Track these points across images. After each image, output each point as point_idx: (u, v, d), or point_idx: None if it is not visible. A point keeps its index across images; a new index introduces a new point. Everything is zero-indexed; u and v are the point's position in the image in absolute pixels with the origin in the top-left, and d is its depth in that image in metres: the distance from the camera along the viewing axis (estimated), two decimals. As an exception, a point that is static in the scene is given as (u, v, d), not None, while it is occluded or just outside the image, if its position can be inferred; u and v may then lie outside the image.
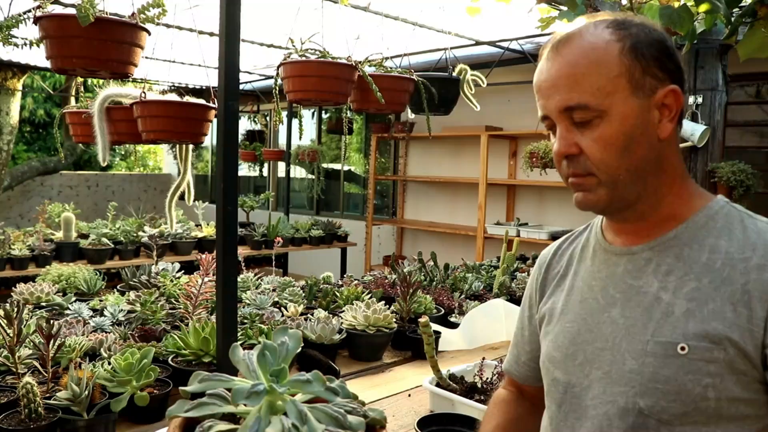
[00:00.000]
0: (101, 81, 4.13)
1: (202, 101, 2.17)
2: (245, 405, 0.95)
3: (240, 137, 9.47)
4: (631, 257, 1.09)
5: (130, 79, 3.55)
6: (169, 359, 1.97)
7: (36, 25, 1.61)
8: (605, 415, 1.05)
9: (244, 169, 10.59)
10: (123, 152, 13.60)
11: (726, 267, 0.98)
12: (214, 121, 2.05)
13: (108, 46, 1.57)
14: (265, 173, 10.38)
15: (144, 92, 2.04)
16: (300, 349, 2.27)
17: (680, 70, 1.05)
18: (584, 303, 1.13)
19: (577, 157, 1.04)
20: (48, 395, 1.63)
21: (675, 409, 0.97)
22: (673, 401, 0.97)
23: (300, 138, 3.05)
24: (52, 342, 1.73)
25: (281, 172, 9.35)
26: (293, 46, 2.17)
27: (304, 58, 2.08)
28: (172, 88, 6.93)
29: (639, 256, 1.08)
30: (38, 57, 6.30)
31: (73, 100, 2.40)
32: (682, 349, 0.96)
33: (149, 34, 1.70)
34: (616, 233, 1.13)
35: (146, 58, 5.18)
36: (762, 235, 1.00)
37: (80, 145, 6.93)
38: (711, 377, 0.95)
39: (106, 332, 2.20)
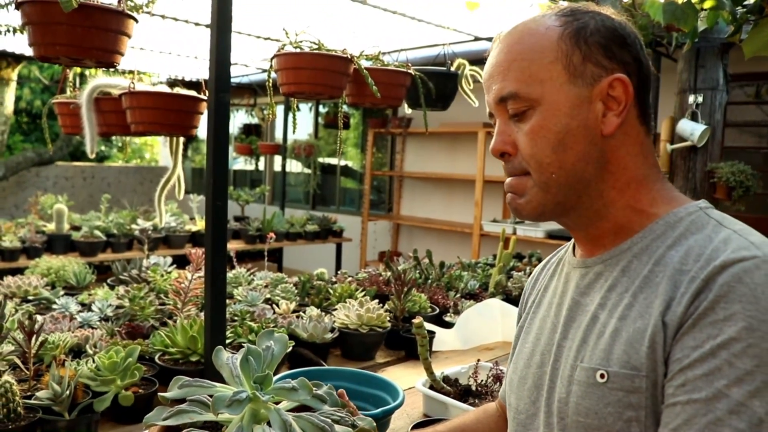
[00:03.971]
0: (96, 72, 4.08)
1: (192, 93, 2.11)
2: (228, 413, 0.90)
3: (237, 131, 9.43)
4: (584, 271, 0.97)
5: (122, 71, 3.50)
6: (156, 357, 1.92)
7: (18, 10, 1.55)
8: None
9: (241, 163, 10.52)
10: (120, 144, 13.51)
11: (664, 280, 0.84)
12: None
13: (92, 33, 1.52)
14: (261, 167, 10.33)
15: (133, 83, 1.99)
16: (291, 348, 2.22)
17: (638, 63, 0.92)
18: (543, 322, 1.03)
19: (515, 156, 0.94)
20: (29, 394, 1.58)
21: None
22: None
23: (294, 132, 3.00)
24: (34, 338, 1.67)
25: (278, 166, 9.30)
26: (287, 37, 2.12)
27: (298, 50, 2.02)
28: (169, 80, 6.86)
29: (591, 270, 0.96)
30: (32, 46, 6.21)
31: (69, 91, 2.35)
32: (602, 376, 0.84)
33: (136, 21, 1.64)
34: (577, 244, 1.02)
35: (141, 49, 5.13)
36: (714, 243, 0.83)
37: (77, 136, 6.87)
38: (634, 410, 0.81)
39: (93, 328, 2.15)
